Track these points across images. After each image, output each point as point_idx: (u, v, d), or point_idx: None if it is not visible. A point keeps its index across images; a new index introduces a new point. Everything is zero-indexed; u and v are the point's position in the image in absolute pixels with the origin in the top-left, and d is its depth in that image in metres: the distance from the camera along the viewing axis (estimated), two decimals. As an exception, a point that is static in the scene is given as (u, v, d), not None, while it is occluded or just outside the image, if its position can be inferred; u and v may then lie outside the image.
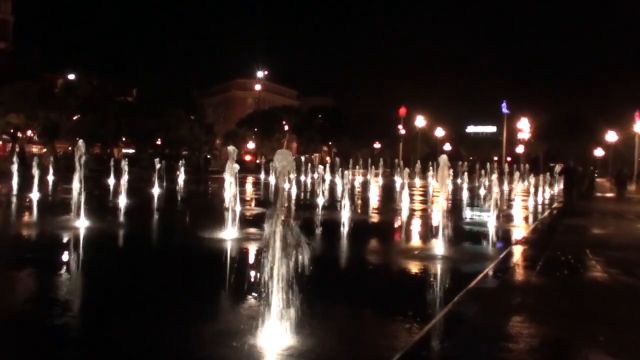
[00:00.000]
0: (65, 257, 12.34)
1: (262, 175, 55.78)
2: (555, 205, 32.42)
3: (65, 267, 11.19)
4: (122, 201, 23.85)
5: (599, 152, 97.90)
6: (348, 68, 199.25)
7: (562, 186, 34.61)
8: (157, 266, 11.62)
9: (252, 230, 15.79)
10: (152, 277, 10.40)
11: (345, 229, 18.67)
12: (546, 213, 26.56)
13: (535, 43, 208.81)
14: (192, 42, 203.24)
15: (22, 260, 11.56)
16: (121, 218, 20.03)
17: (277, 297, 6.35)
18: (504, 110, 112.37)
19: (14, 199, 25.32)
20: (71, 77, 74.57)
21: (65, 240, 14.16)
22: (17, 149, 41.53)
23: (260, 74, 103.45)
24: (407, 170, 32.45)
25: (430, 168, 54.19)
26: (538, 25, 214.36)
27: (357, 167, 64.60)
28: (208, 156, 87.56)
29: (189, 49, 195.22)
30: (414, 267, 12.07)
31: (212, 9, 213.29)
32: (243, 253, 13.20)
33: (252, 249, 13.37)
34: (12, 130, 65.60)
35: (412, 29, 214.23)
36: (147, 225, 18.91)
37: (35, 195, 25.27)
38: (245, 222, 17.04)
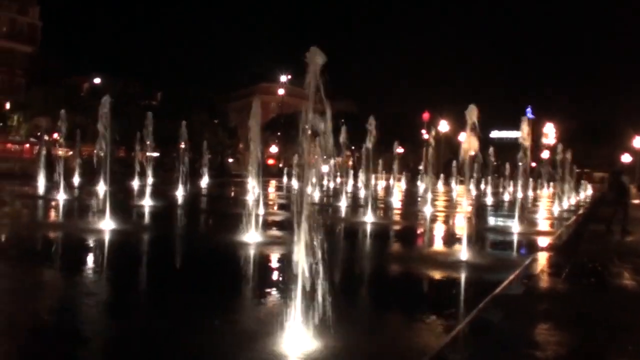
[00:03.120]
0: (86, 258, 12.44)
1: (285, 179, 55.88)
2: (581, 212, 32.06)
3: (88, 268, 11.28)
4: (147, 204, 24.03)
5: (626, 158, 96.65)
6: (372, 73, 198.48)
7: (590, 192, 34.13)
8: (192, 268, 11.68)
9: (280, 234, 15.80)
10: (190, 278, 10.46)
11: (372, 235, 18.64)
12: (571, 219, 26.28)
13: (562, 48, 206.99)
14: (216, 46, 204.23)
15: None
16: (152, 220, 20.21)
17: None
18: (529, 115, 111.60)
19: (42, 201, 25.58)
20: (97, 80, 75.35)
21: (90, 243, 14.24)
22: (44, 152, 41.87)
23: (283, 78, 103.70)
24: (430, 175, 32.34)
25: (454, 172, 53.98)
26: (565, 30, 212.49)
27: (382, 172, 64.42)
28: (230, 160, 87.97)
29: (213, 53, 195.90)
30: (440, 272, 12.00)
31: (237, 14, 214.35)
32: (271, 257, 13.21)
33: (281, 253, 13.36)
34: (38, 133, 66.40)
35: (437, 33, 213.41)
36: (179, 229, 19.00)
37: (61, 197, 25.50)
38: (270, 225, 17.07)
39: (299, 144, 6.85)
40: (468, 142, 14.04)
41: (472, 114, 13.91)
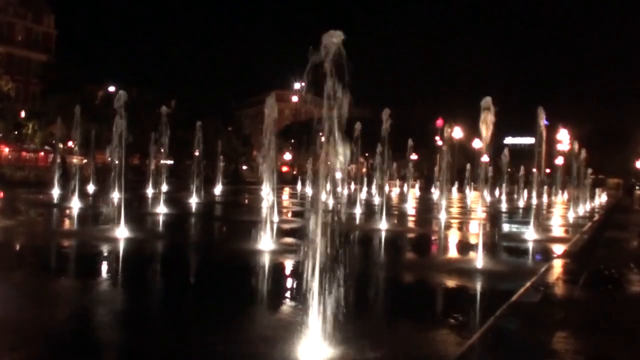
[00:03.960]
0: (100, 267, 12.50)
1: (299, 187, 55.95)
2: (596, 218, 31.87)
3: (101, 278, 11.33)
4: (162, 211, 24.12)
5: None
6: (386, 79, 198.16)
7: (604, 199, 34.00)
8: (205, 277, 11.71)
9: (295, 241, 15.80)
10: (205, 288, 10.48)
11: (387, 242, 18.63)
12: (587, 226, 26.12)
13: (577, 52, 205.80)
14: (230, 53, 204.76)
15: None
16: (166, 229, 20.29)
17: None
18: (544, 121, 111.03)
19: (57, 210, 25.75)
20: (111, 88, 75.83)
21: (105, 251, 14.30)
22: (59, 160, 42.17)
23: (297, 85, 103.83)
24: (444, 182, 32.26)
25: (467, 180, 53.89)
26: (580, 35, 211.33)
27: (396, 179, 64.39)
28: (244, 167, 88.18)
29: (227, 60, 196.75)
30: (455, 280, 11.94)
31: (250, 20, 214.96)
32: (285, 265, 13.22)
33: (295, 261, 13.36)
34: (53, 142, 66.90)
35: (451, 39, 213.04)
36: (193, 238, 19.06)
37: (76, 205, 25.64)
38: (284, 233, 17.08)
39: (313, 148, 6.84)
40: (485, 132, 13.88)
41: (487, 106, 13.83)
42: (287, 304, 9.02)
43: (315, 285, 6.40)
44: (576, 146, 43.53)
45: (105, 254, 13.88)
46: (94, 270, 11.75)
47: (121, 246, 14.74)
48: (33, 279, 10.65)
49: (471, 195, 51.60)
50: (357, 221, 25.30)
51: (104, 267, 12.41)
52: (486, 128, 13.81)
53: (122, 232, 15.81)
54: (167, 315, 8.51)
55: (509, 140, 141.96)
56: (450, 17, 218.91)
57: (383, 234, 19.88)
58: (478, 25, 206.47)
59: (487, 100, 13.87)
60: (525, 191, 53.17)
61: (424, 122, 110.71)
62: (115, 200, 16.62)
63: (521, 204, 47.68)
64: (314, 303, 6.39)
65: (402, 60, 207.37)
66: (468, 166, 58.40)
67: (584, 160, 40.97)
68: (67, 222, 22.22)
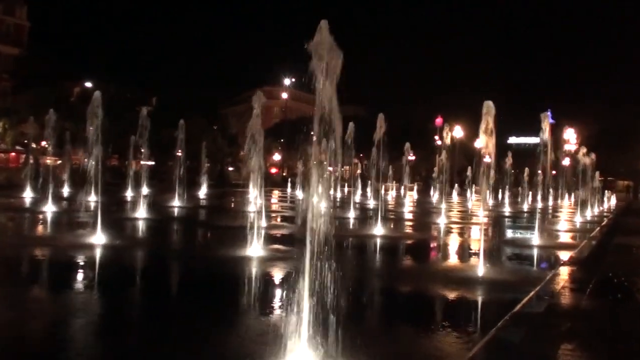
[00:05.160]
0: (74, 277, 12.43)
1: (289, 190, 55.91)
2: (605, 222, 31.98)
3: (75, 288, 11.27)
4: (141, 216, 24.04)
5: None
6: (382, 76, 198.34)
7: (613, 202, 34.11)
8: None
9: (284, 247, 15.77)
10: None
11: (382, 249, 18.64)
12: (595, 230, 26.20)
13: (583, 47, 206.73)
14: (215, 48, 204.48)
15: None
16: (146, 235, 20.21)
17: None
18: (549, 119, 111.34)
19: (29, 214, 25.63)
20: (88, 85, 75.53)
21: (79, 260, 14.23)
22: (32, 161, 42.02)
23: (287, 81, 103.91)
24: (444, 184, 32.36)
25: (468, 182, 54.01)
26: (586, 28, 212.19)
27: (392, 181, 64.47)
28: (230, 168, 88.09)
29: (212, 55, 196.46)
30: (455, 289, 11.94)
31: (237, 14, 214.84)
32: (273, 274, 13.19)
33: (285, 269, 13.34)
34: (25, 141, 66.61)
35: (450, 34, 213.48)
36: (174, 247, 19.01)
37: (50, 209, 25.52)
38: (273, 239, 17.05)
39: (303, 149, 6.83)
40: (485, 144, 13.96)
41: (488, 111, 13.85)
42: (273, 317, 8.96)
43: (305, 296, 6.37)
44: (583, 147, 43.72)
45: (80, 263, 13.77)
46: (65, 280, 11.64)
47: (97, 254, 14.67)
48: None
49: (472, 198, 51.65)
50: (351, 226, 25.31)
51: (77, 277, 12.30)
52: (487, 135, 13.84)
53: (98, 239, 15.73)
54: (144, 331, 8.46)
55: (512, 139, 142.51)
56: (453, 15, 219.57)
57: (378, 240, 19.88)
58: (482, 23, 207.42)
59: (488, 105, 13.89)
60: (530, 194, 53.32)
61: (423, 121, 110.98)
62: (92, 205, 16.52)
63: (525, 207, 47.82)
64: (303, 316, 6.36)
65: (400, 56, 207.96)
66: (469, 170, 58.46)
67: (592, 161, 41.13)
68: (39, 227, 22.10)
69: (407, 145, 40.59)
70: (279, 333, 6.34)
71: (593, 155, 42.62)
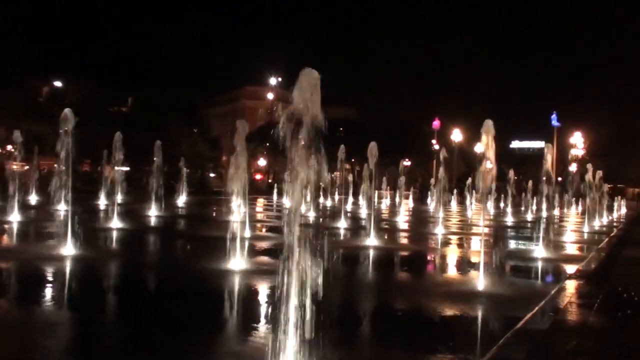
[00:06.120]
0: (41, 291, 12.34)
1: (275, 197, 55.86)
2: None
3: (41, 304, 11.18)
4: (115, 226, 23.92)
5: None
6: (375, 75, 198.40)
7: (623, 211, 34.25)
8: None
9: (269, 260, 15.71)
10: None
11: (376, 262, 18.63)
12: (604, 242, 26.27)
13: (588, 47, 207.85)
14: (195, 46, 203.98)
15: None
16: (120, 246, 20.13)
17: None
18: (554, 122, 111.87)
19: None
20: (58, 84, 75.37)
21: (47, 273, 14.15)
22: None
23: (272, 80, 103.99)
24: (441, 191, 32.42)
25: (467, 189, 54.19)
26: (592, 27, 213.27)
27: (386, 188, 64.51)
28: (212, 174, 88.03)
29: (192, 53, 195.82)
30: (454, 305, 11.93)
31: (219, 10, 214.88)
32: (258, 289, 13.15)
33: (269, 284, 13.29)
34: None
35: (449, 33, 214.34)
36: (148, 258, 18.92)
37: (15, 218, 25.35)
38: (257, 252, 17.00)
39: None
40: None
41: (488, 130, 13.91)
42: (255, 338, 8.89)
43: (290, 315, 6.31)
44: (592, 153, 43.97)
45: (47, 276, 13.70)
46: (31, 295, 11.59)
47: (66, 267, 14.58)
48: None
49: (472, 206, 51.76)
50: (341, 237, 25.28)
51: (44, 291, 12.22)
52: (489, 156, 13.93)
53: (67, 250, 15.63)
54: (112, 354, 8.39)
55: (515, 144, 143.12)
56: (454, 15, 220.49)
57: (371, 252, 19.85)
58: (480, 23, 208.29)
59: (487, 125, 13.93)
60: (534, 202, 53.45)
61: (420, 124, 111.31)
62: (61, 213, 16.42)
63: (529, 216, 47.94)
64: (287, 337, 6.30)
65: (395, 55, 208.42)
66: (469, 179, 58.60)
67: (596, 167, 41.37)
68: (4, 238, 21.95)
69: (402, 155, 40.69)
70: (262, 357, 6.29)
71: (599, 163, 42.89)
